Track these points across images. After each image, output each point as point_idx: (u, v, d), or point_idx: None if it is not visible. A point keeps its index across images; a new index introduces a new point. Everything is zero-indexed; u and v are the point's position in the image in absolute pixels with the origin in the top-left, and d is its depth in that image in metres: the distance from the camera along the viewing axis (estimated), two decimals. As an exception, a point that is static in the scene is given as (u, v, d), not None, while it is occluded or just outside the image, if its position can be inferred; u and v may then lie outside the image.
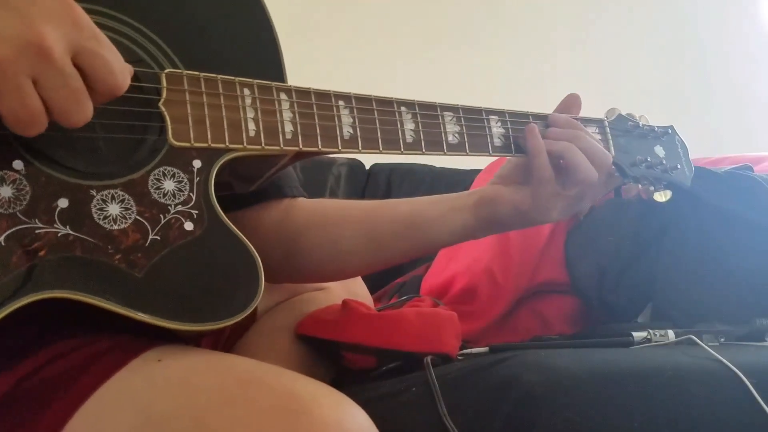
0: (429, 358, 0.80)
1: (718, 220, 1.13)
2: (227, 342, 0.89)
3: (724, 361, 0.77)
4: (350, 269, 0.87)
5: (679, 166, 0.90)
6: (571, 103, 0.84)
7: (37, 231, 0.54)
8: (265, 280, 0.89)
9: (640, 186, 0.88)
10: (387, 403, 0.77)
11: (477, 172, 1.72)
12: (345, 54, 2.11)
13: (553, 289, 1.31)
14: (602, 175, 0.77)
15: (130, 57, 0.61)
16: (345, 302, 0.90)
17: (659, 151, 0.90)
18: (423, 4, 2.27)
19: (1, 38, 0.47)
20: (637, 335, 0.90)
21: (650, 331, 0.90)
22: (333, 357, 0.91)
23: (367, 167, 1.83)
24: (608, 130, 0.86)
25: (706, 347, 0.83)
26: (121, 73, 0.54)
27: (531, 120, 0.80)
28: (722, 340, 0.94)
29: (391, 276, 1.51)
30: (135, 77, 0.61)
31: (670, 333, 0.91)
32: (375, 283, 1.41)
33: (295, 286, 0.95)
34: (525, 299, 1.31)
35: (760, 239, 1.10)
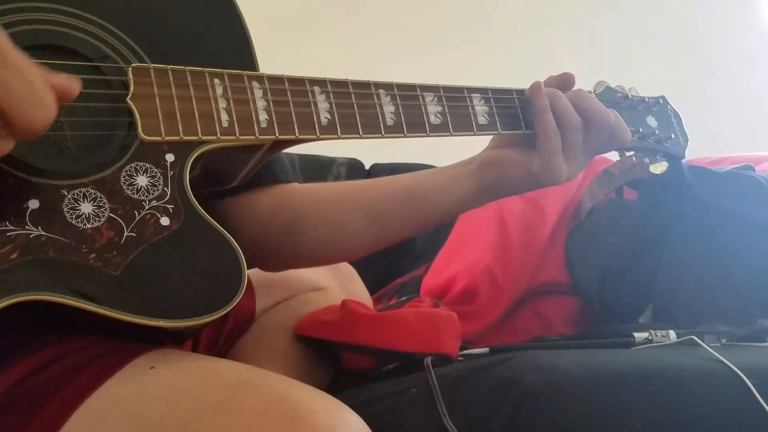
0: (429, 359, 0.80)
1: (720, 221, 1.12)
2: (225, 343, 0.88)
3: (726, 361, 0.77)
4: (352, 248, 0.85)
5: (673, 136, 0.88)
6: (564, 80, 0.81)
7: (8, 234, 0.53)
8: (268, 270, 0.89)
9: (634, 158, 0.87)
10: (387, 404, 0.77)
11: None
12: (340, 54, 2.11)
13: (554, 290, 1.31)
14: (595, 123, 0.75)
15: (95, 54, 0.61)
16: (344, 302, 0.90)
17: (651, 121, 0.88)
18: (421, 3, 2.27)
19: None
20: (639, 336, 0.90)
21: (651, 331, 0.90)
22: (331, 357, 0.91)
23: (367, 167, 1.82)
24: None
25: (708, 348, 0.83)
26: (33, 105, 0.47)
27: (515, 95, 0.78)
28: (724, 340, 0.94)
29: (391, 276, 1.50)
30: (102, 73, 0.60)
31: (672, 334, 0.90)
32: (375, 283, 1.40)
33: (293, 287, 0.95)
34: (525, 300, 1.30)
35: (762, 239, 1.10)
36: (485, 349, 0.91)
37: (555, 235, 1.32)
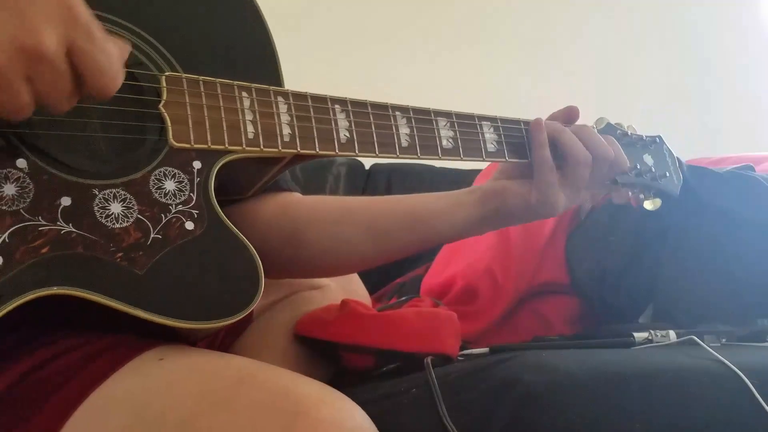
0: (429, 359, 0.79)
1: (720, 220, 1.12)
2: (223, 343, 0.88)
3: (726, 361, 0.77)
4: (352, 263, 0.87)
5: (667, 174, 0.92)
6: (568, 114, 0.85)
7: (40, 228, 0.55)
8: (266, 276, 0.90)
9: (630, 193, 0.90)
10: (387, 404, 0.77)
11: (477, 172, 1.71)
12: (340, 53, 2.11)
13: (554, 290, 1.31)
14: (597, 159, 0.79)
15: (131, 60, 0.62)
16: (344, 302, 0.90)
17: (648, 159, 0.92)
18: (421, 4, 2.26)
19: None
20: (639, 336, 0.90)
21: (651, 331, 0.90)
22: (331, 357, 0.90)
23: (367, 167, 1.82)
24: None
25: (708, 348, 0.83)
26: (111, 75, 0.53)
27: (522, 125, 0.82)
28: (724, 340, 0.94)
29: (391, 276, 1.50)
30: (135, 79, 0.62)
31: (672, 333, 0.90)
32: (375, 283, 1.40)
33: (292, 285, 0.95)
34: (525, 300, 1.30)
35: (762, 239, 1.10)
36: (485, 349, 0.91)
37: (555, 235, 1.32)
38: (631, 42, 2.43)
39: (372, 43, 2.18)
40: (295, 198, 0.85)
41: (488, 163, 1.69)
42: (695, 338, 0.88)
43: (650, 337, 0.89)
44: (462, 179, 1.73)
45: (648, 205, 0.91)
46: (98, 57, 0.52)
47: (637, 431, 0.70)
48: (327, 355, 0.90)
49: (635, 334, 0.90)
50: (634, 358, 0.82)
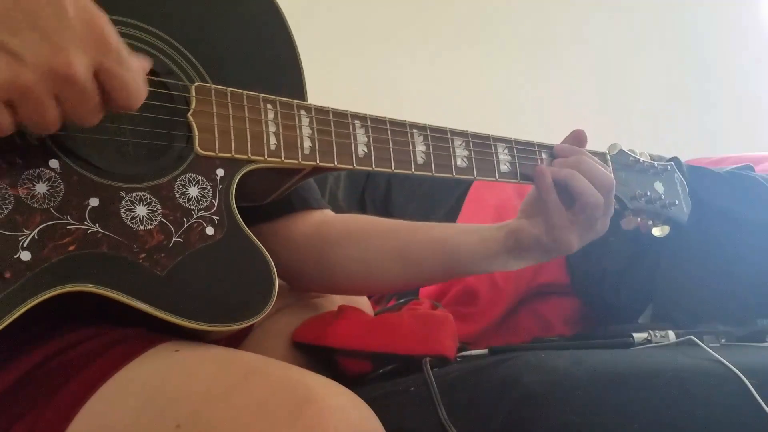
0: (427, 360, 0.79)
1: (719, 221, 1.12)
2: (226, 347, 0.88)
3: (725, 362, 0.77)
4: (380, 286, 0.91)
5: (677, 203, 0.93)
6: (576, 138, 0.86)
7: (68, 227, 0.57)
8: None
9: (639, 219, 0.91)
10: (386, 404, 0.77)
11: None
12: (340, 53, 2.11)
13: (554, 290, 1.31)
14: (607, 198, 0.80)
15: (161, 69, 0.65)
16: (340, 308, 0.90)
17: (659, 186, 0.92)
18: (421, 4, 2.26)
19: (27, 63, 0.48)
20: (638, 336, 0.90)
21: (651, 332, 0.90)
22: (329, 363, 0.90)
23: (368, 168, 1.82)
24: (610, 163, 0.89)
25: (707, 348, 0.83)
26: (136, 93, 0.55)
27: (536, 148, 0.83)
28: (723, 340, 0.94)
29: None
30: (166, 88, 0.65)
31: (671, 334, 0.90)
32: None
33: (294, 293, 0.95)
34: (525, 300, 1.31)
35: (761, 239, 1.10)
36: (485, 350, 0.91)
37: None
38: (631, 42, 2.43)
39: (372, 43, 2.18)
40: (327, 217, 0.88)
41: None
42: (694, 338, 0.88)
43: (649, 338, 0.90)
44: (461, 180, 1.73)
45: (656, 232, 0.92)
46: (125, 77, 0.54)
47: (636, 431, 0.70)
48: (324, 362, 0.90)
49: (634, 335, 0.90)
50: (634, 359, 0.82)
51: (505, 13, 2.34)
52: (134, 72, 0.55)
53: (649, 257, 1.20)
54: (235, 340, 0.90)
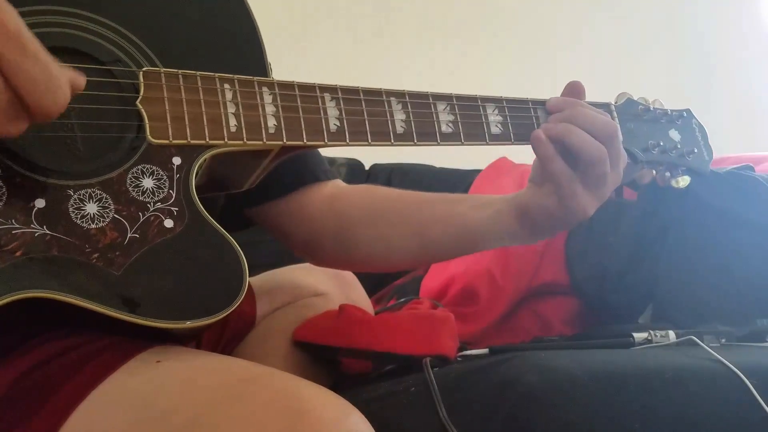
0: (427, 360, 0.79)
1: (719, 221, 1.12)
2: (225, 348, 0.88)
3: (725, 361, 0.77)
4: (397, 264, 0.88)
5: (696, 150, 0.85)
6: (572, 90, 0.80)
7: (14, 231, 0.54)
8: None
9: (654, 172, 0.84)
10: (386, 404, 0.77)
11: (477, 172, 1.71)
12: (339, 52, 2.11)
13: (554, 290, 1.31)
14: (612, 147, 0.72)
15: (108, 57, 0.62)
16: (341, 307, 0.90)
17: (674, 135, 0.85)
18: (421, 4, 2.26)
19: None
20: (638, 336, 0.89)
21: (651, 331, 0.90)
22: (330, 362, 0.90)
23: (367, 167, 1.82)
24: (615, 114, 0.82)
25: (707, 348, 0.83)
26: (49, 88, 0.49)
27: (530, 105, 0.77)
28: (723, 340, 0.94)
29: (391, 278, 1.50)
30: (113, 76, 0.61)
31: (671, 334, 0.90)
32: (374, 284, 1.40)
33: (295, 292, 0.95)
34: (525, 300, 1.31)
35: (761, 239, 1.10)
36: (485, 350, 0.91)
37: (554, 236, 1.32)
38: (631, 42, 2.43)
39: (372, 43, 2.18)
40: (340, 190, 0.85)
41: (489, 163, 1.69)
42: (694, 338, 0.88)
43: (650, 338, 0.89)
44: (461, 179, 1.73)
45: (676, 183, 0.84)
46: (31, 68, 0.48)
47: (636, 431, 0.70)
48: (326, 361, 0.90)
49: (635, 335, 0.90)
50: (634, 359, 0.82)
51: (505, 12, 2.34)
52: (44, 64, 0.48)
53: (649, 257, 1.20)
54: (235, 339, 0.90)
